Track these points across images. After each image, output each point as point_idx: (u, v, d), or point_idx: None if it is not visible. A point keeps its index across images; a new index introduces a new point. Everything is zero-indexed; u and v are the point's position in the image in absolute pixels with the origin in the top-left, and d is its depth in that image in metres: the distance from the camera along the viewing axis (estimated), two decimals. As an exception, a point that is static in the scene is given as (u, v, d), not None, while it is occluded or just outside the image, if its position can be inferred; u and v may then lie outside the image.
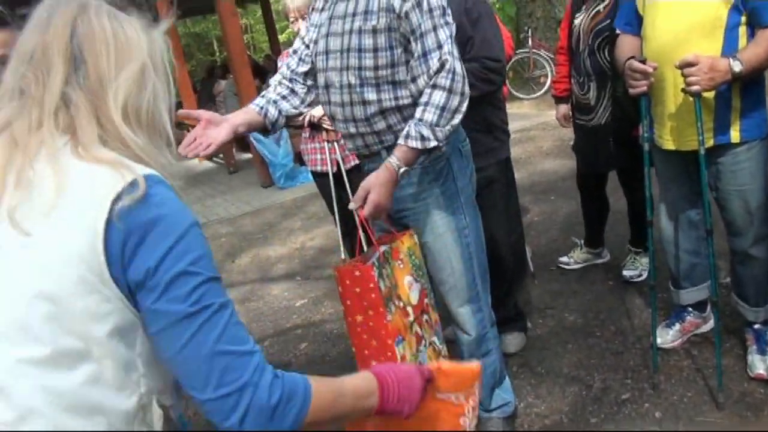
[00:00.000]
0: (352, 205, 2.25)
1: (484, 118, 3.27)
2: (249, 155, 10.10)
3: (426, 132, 2.24)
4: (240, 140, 9.42)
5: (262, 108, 2.49)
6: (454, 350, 2.75)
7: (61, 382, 1.05)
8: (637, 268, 4.03)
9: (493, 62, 3.12)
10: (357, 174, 3.47)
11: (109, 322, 1.06)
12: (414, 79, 2.34)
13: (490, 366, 2.72)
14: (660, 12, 2.80)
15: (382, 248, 2.24)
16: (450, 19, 2.36)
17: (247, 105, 2.53)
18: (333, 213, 4.25)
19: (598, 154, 3.89)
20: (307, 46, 2.59)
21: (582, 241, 4.39)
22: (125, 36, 1.19)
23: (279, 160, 8.64)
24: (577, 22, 3.84)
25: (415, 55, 2.31)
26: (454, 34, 2.34)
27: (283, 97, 2.55)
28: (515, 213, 3.60)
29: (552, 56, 10.92)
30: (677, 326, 3.28)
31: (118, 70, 1.16)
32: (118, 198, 1.05)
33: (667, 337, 3.24)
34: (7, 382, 1.03)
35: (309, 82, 2.59)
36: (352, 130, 2.47)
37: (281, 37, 20.97)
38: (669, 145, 2.91)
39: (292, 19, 3.87)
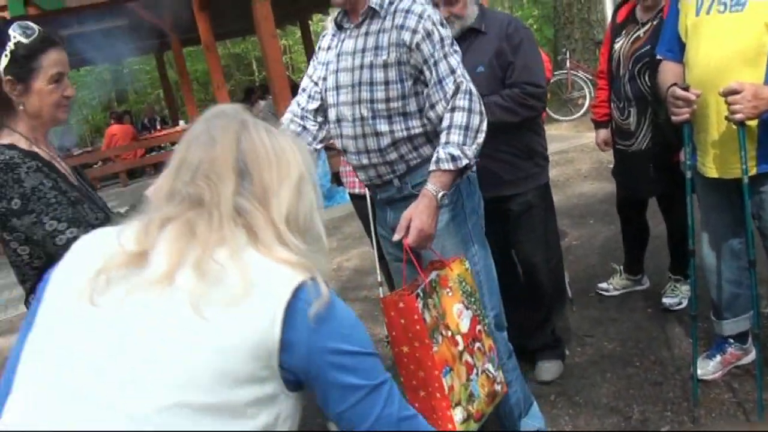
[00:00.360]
0: (396, 237, 2.27)
1: (525, 144, 3.26)
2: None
3: (456, 152, 2.30)
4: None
5: None
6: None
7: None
8: (677, 296, 3.96)
9: (533, 88, 3.12)
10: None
11: (262, 389, 1.16)
12: (432, 106, 2.43)
13: (512, 397, 2.69)
14: (703, 39, 2.77)
15: (430, 277, 2.23)
16: (457, 47, 2.47)
17: None
18: (370, 235, 4.25)
19: (639, 179, 3.85)
20: (316, 84, 2.68)
21: (621, 267, 4.33)
22: (282, 149, 1.30)
23: (317, 179, 8.68)
24: (617, 46, 3.81)
25: (431, 83, 2.41)
26: (461, 60, 2.44)
27: (297, 135, 2.63)
28: (554, 239, 3.57)
29: (590, 77, 10.86)
30: (718, 358, 3.21)
31: (279, 182, 1.27)
32: (300, 288, 1.17)
33: (707, 368, 3.18)
34: (164, 421, 1.11)
35: (319, 119, 2.69)
36: (365, 161, 2.56)
37: (320, 58, 21.10)
38: (712, 172, 2.87)
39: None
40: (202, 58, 18.31)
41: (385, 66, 2.43)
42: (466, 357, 2.22)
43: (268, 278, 1.18)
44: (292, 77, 17.69)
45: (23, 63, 2.01)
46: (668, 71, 2.97)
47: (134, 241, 1.21)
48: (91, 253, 1.26)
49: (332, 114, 2.59)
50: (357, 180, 4.12)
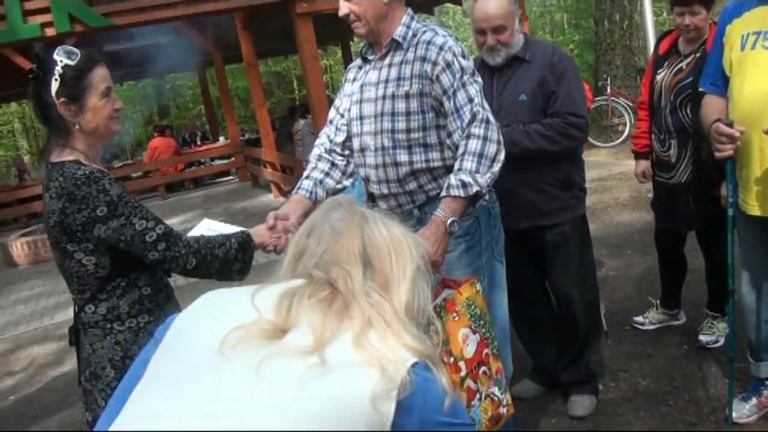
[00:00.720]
0: None
1: (564, 174, 3.23)
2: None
3: (467, 179, 2.31)
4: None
5: (311, 193, 2.65)
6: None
7: None
8: (713, 334, 3.87)
9: (575, 118, 3.11)
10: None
11: None
12: (450, 135, 2.46)
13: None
14: (748, 74, 2.72)
15: (435, 302, 2.21)
16: (478, 78, 2.50)
17: (297, 192, 2.67)
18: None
19: (678, 212, 3.79)
20: (342, 115, 2.73)
21: (657, 301, 4.25)
22: (399, 243, 1.35)
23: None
24: (659, 78, 3.77)
25: (449, 111, 2.44)
26: (482, 89, 2.46)
27: (326, 174, 2.71)
28: (590, 272, 3.51)
29: (631, 104, 10.77)
30: (754, 400, 3.12)
31: (400, 273, 1.32)
32: (416, 365, 1.21)
33: (743, 411, 3.09)
34: None
35: (347, 152, 2.74)
36: (385, 190, 2.60)
37: (359, 77, 21.26)
38: (754, 210, 2.81)
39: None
40: (244, 75, 18.54)
41: (407, 97, 2.47)
42: (469, 383, 2.21)
43: (403, 359, 1.22)
44: (332, 96, 17.83)
45: (74, 83, 2.09)
46: (711, 105, 2.92)
47: (274, 312, 1.25)
48: (221, 307, 1.33)
49: (356, 143, 2.65)
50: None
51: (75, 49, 2.13)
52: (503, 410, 2.30)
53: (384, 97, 2.52)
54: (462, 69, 2.43)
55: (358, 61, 2.74)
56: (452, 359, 2.17)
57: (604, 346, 4.01)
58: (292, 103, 18.03)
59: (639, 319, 4.28)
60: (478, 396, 2.22)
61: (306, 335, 1.21)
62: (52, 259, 2.28)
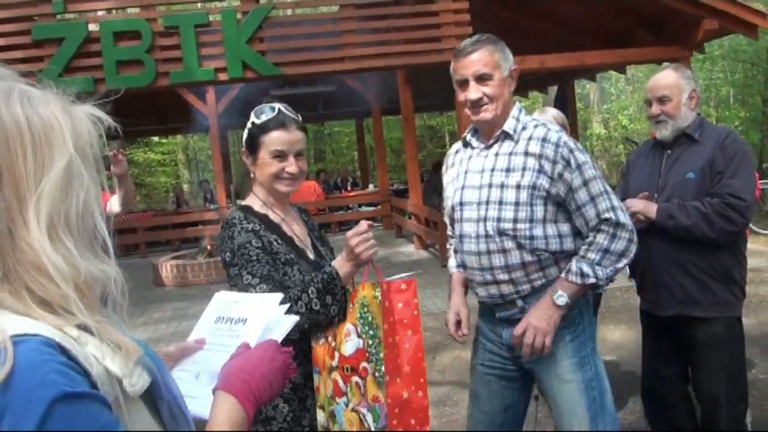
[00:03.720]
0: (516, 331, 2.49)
1: (722, 266, 3.11)
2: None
3: (586, 269, 2.41)
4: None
5: (460, 267, 2.79)
6: None
7: None
8: None
9: (735, 199, 2.99)
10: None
11: None
12: (578, 232, 2.53)
13: None
14: None
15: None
16: (598, 171, 2.54)
17: (457, 270, 2.81)
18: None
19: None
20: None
21: (813, 411, 3.97)
22: (43, 126, 0.97)
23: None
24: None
25: (573, 209, 2.50)
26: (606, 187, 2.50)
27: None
28: (741, 384, 3.25)
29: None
30: None
31: (38, 175, 0.96)
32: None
33: None
34: None
35: None
36: (489, 277, 2.59)
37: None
38: None
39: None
40: (399, 126, 19.01)
41: (518, 188, 2.49)
42: (336, 377, 2.18)
43: None
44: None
45: (253, 138, 2.36)
46: None
47: None
48: None
49: (456, 229, 2.70)
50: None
51: (268, 110, 2.34)
52: None
53: (490, 185, 2.55)
54: (579, 164, 2.47)
55: (456, 146, 2.80)
56: (333, 343, 2.20)
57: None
58: (440, 159, 18.26)
59: (790, 428, 4.00)
60: (344, 399, 2.17)
61: None
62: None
